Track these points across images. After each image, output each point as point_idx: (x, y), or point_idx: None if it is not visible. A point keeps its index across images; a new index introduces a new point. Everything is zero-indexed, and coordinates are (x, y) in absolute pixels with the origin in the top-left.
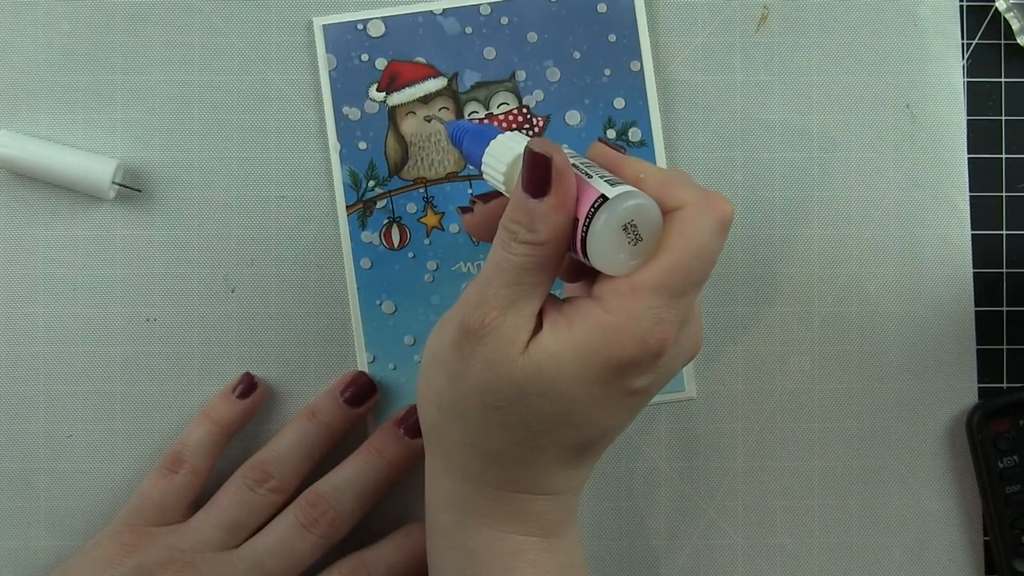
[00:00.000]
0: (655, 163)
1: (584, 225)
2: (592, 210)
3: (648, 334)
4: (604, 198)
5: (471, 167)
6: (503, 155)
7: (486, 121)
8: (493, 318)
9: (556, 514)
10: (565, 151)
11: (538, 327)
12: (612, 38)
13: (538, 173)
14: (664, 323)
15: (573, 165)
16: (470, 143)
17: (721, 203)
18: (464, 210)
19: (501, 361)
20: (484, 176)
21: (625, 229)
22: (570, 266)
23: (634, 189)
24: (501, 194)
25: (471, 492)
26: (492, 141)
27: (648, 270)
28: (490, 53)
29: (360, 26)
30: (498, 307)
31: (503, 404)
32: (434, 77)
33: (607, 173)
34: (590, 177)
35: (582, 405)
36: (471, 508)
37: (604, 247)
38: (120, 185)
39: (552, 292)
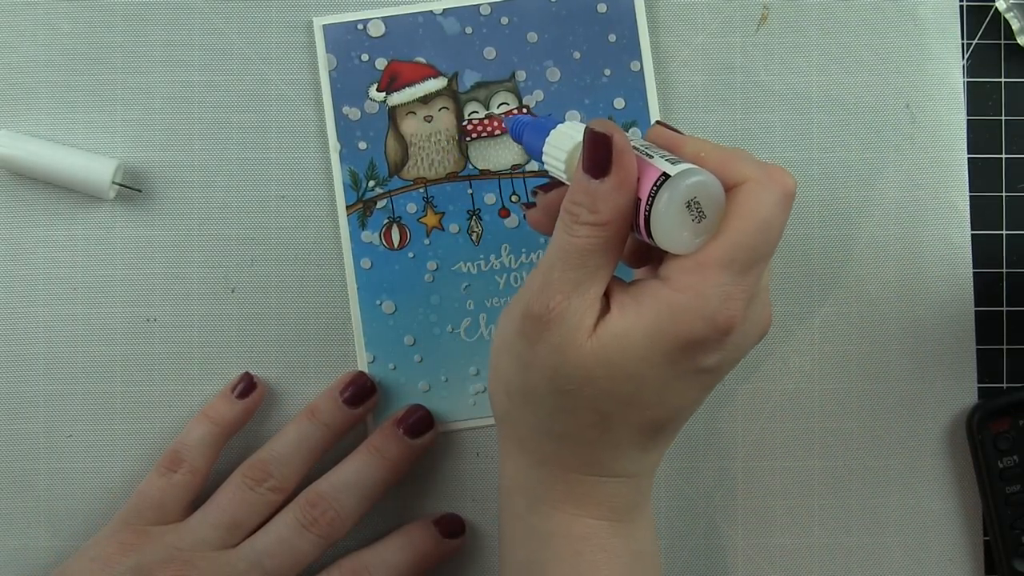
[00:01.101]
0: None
1: (647, 205)
2: (654, 188)
3: (716, 312)
4: (666, 176)
5: (471, 167)
6: (563, 143)
7: (486, 121)
8: (558, 302)
9: (628, 497)
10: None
11: (605, 309)
12: (612, 38)
13: (599, 153)
14: (732, 299)
15: (634, 147)
16: (530, 135)
17: (783, 176)
18: (527, 206)
19: (569, 345)
20: (546, 166)
21: (688, 207)
22: (634, 251)
23: (695, 166)
24: (560, 185)
25: (544, 476)
26: (552, 131)
27: (714, 247)
28: (490, 53)
29: (360, 26)
30: (563, 291)
31: (572, 388)
32: (434, 77)
33: (667, 153)
34: (650, 157)
35: (652, 385)
36: (544, 492)
37: (668, 226)
38: (120, 185)
39: (618, 275)
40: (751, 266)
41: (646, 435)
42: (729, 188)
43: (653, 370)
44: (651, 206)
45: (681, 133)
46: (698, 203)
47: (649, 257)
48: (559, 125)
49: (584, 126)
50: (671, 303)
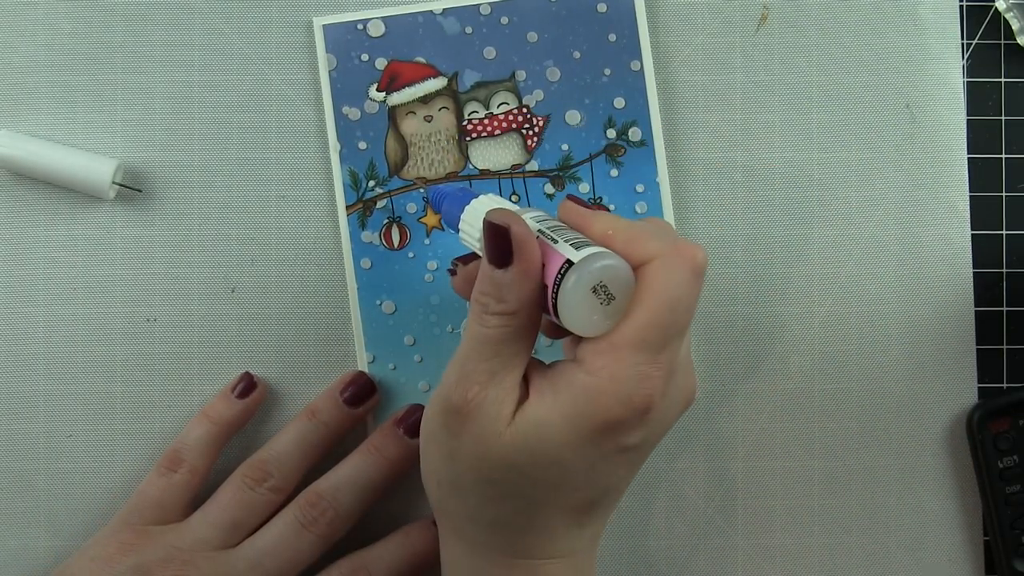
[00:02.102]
0: (655, 164)
1: (553, 291)
2: (559, 276)
3: (633, 392)
4: (569, 263)
5: (471, 167)
6: (477, 220)
7: (486, 121)
8: (476, 393)
9: None
10: (531, 214)
11: (524, 395)
12: (612, 38)
13: (499, 244)
14: (649, 379)
15: (539, 231)
16: (448, 207)
17: (691, 250)
18: (450, 272)
19: (489, 435)
20: (461, 240)
21: (595, 291)
22: (553, 324)
23: (601, 250)
24: (479, 257)
25: (481, 563)
26: (466, 207)
27: (625, 328)
28: (490, 53)
29: (360, 26)
30: (479, 382)
31: (497, 476)
32: (434, 77)
33: (574, 235)
34: (556, 242)
35: (576, 468)
36: None
37: (576, 311)
38: (120, 185)
39: (537, 357)
40: (665, 344)
41: (578, 515)
42: (637, 266)
43: (575, 454)
44: (557, 293)
45: (591, 207)
46: (605, 286)
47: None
48: (473, 200)
49: (501, 201)
50: (586, 387)
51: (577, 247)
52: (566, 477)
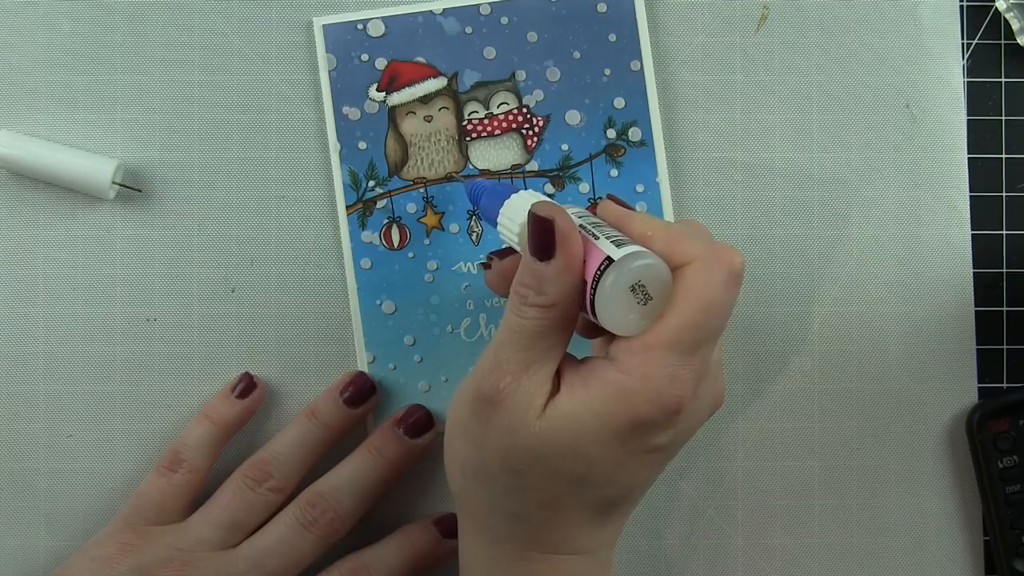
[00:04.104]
0: (655, 164)
1: (592, 287)
2: (599, 272)
3: (664, 393)
4: (610, 260)
5: (471, 167)
6: (516, 215)
7: (486, 121)
8: (507, 383)
9: (588, 573)
10: (573, 210)
11: (555, 389)
12: (612, 38)
13: (543, 236)
14: (680, 380)
15: (580, 226)
16: (487, 201)
17: (729, 254)
18: (484, 266)
19: (518, 426)
20: (500, 235)
21: (633, 290)
22: (587, 322)
23: (641, 249)
24: (515, 252)
25: (502, 554)
26: (506, 201)
27: (659, 329)
28: (490, 53)
29: (360, 26)
30: (512, 372)
31: (523, 468)
32: (434, 77)
33: (614, 232)
34: (596, 238)
35: (603, 465)
36: (503, 571)
37: (613, 309)
38: (120, 185)
39: (571, 352)
40: (698, 346)
41: (600, 512)
42: (675, 268)
43: (603, 450)
44: (596, 290)
45: (631, 208)
46: (643, 286)
47: (602, 329)
48: (514, 195)
49: (540, 197)
50: (618, 385)
51: (618, 245)
52: (591, 473)
